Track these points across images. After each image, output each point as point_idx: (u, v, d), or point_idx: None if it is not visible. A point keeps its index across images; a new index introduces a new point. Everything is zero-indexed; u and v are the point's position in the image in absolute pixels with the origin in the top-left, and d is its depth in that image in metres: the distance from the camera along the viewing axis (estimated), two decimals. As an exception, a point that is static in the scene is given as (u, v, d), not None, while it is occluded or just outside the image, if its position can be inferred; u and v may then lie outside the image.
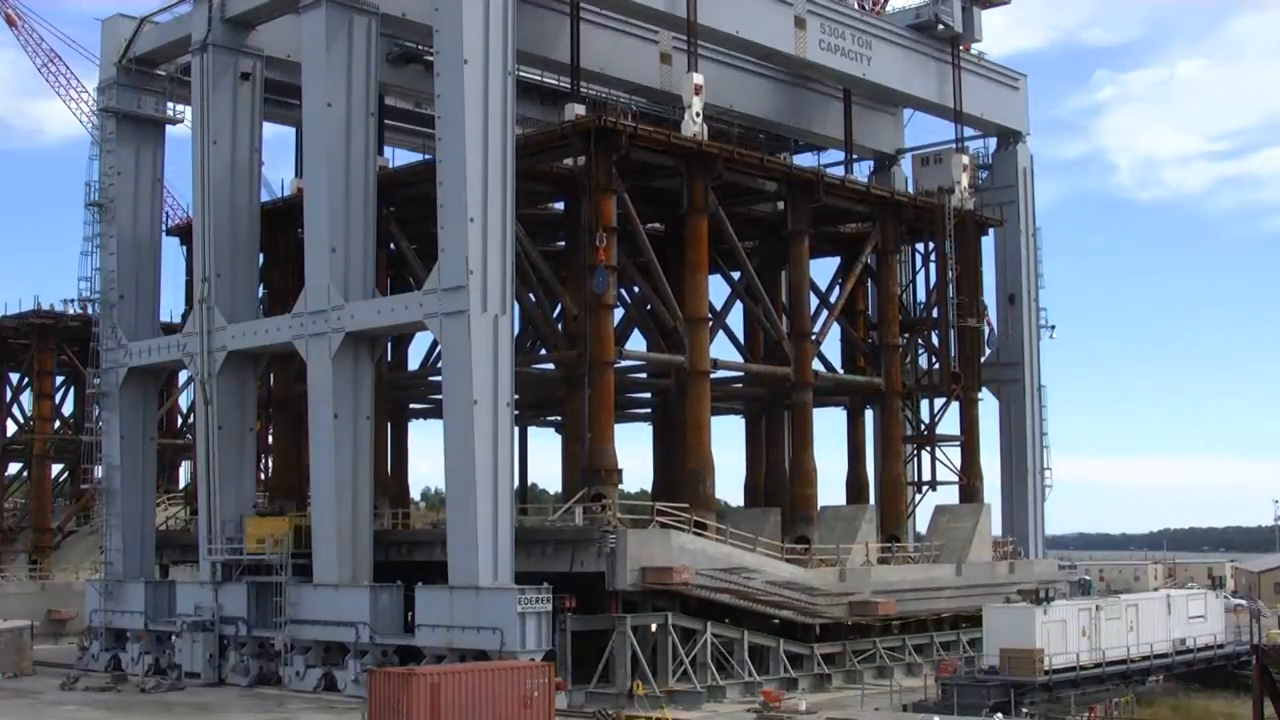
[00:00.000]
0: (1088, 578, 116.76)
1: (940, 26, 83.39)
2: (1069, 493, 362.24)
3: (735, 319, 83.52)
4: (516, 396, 60.63)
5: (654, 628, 60.05)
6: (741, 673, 62.89)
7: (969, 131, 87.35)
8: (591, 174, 63.11)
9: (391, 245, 71.28)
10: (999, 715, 51.68)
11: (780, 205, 76.65)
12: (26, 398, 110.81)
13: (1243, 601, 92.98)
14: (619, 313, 73.02)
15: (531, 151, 63.94)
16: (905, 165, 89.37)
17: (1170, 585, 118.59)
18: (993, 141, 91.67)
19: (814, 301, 77.78)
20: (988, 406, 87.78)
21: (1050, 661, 56.39)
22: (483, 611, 55.72)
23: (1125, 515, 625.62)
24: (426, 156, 68.19)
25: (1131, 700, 58.42)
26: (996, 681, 55.34)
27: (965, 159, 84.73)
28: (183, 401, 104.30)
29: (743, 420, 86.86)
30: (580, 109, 65.26)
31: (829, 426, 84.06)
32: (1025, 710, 53.65)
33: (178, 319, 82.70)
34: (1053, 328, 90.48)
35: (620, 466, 63.07)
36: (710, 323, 70.74)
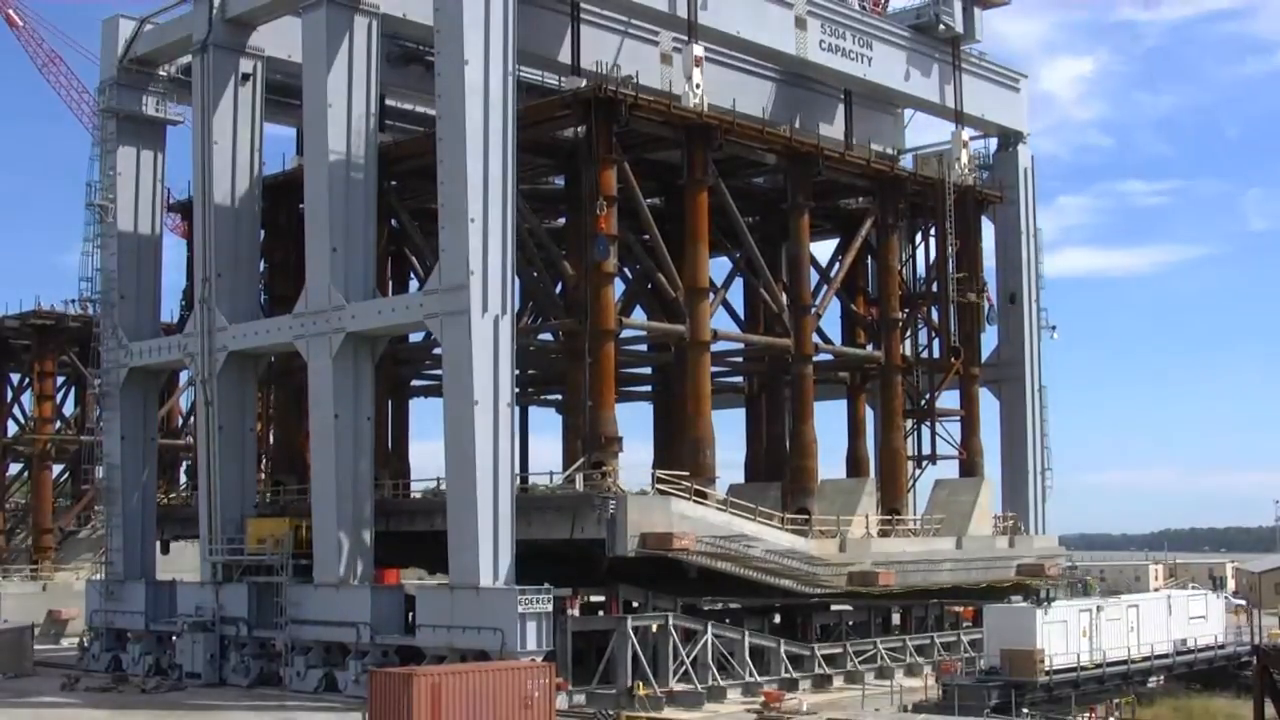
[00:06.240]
0: (1088, 578, 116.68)
1: (941, 27, 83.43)
2: (1069, 493, 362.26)
3: (736, 297, 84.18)
4: (517, 372, 60.84)
5: (654, 628, 60.09)
6: (742, 673, 62.90)
7: (970, 132, 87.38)
8: (592, 143, 63.16)
9: (393, 221, 71.55)
10: None
11: (780, 178, 76.53)
12: (27, 398, 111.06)
13: (1243, 601, 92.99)
14: (621, 289, 73.34)
15: (532, 122, 63.84)
16: (906, 165, 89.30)
17: (1172, 586, 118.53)
18: (993, 142, 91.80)
19: (814, 278, 77.98)
20: (989, 406, 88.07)
21: (1051, 662, 56.38)
22: (483, 612, 55.75)
23: (1126, 515, 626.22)
24: (426, 125, 68.15)
25: (1132, 701, 58.39)
26: (997, 682, 55.33)
27: (965, 135, 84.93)
28: (183, 401, 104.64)
29: (743, 411, 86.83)
30: (580, 81, 65.35)
31: (829, 414, 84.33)
32: (1026, 711, 53.64)
33: (179, 303, 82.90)
34: (1054, 328, 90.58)
35: (620, 435, 63.05)
36: (711, 298, 70.81)
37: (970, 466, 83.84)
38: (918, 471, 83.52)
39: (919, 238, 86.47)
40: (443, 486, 61.59)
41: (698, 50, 67.99)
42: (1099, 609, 61.33)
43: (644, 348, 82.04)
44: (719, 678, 61.55)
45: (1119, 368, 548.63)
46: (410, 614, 61.56)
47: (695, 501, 62.15)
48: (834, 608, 72.12)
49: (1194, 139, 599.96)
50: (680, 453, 67.41)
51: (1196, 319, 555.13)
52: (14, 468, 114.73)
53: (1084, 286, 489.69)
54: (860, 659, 69.55)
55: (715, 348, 70.39)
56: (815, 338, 75.66)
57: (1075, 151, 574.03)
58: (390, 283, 75.91)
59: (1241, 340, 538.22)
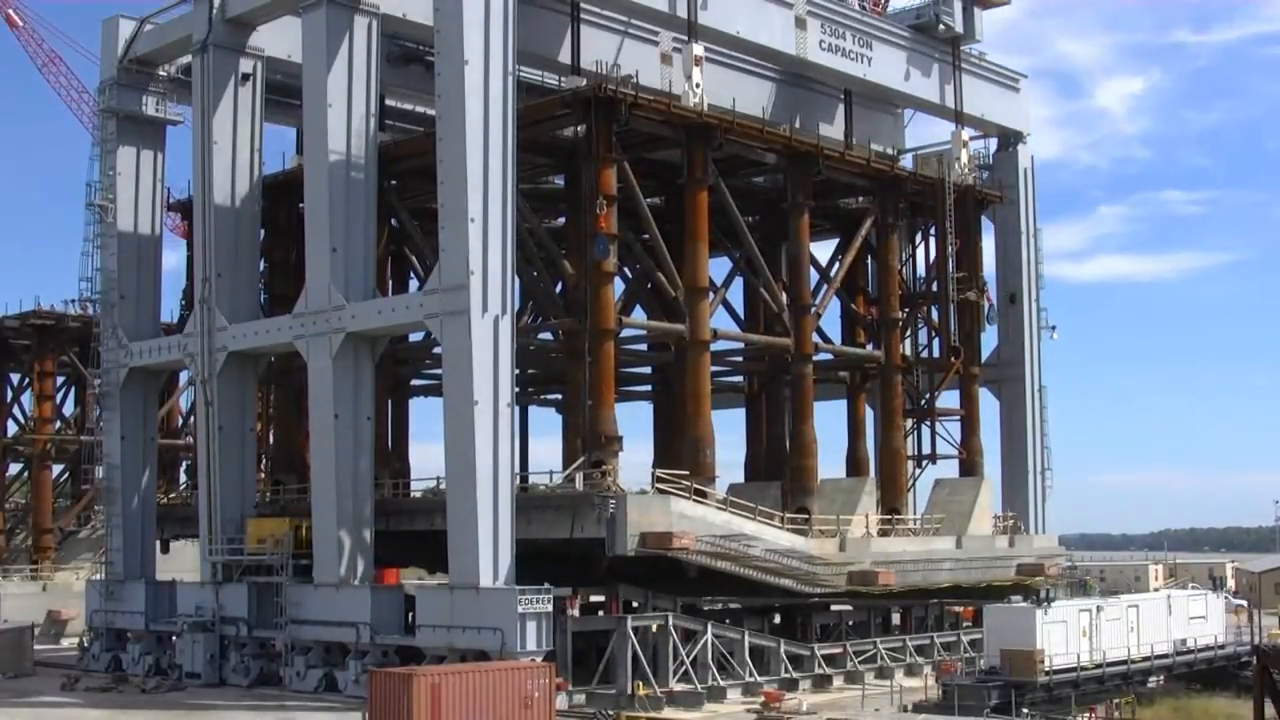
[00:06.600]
0: (1087, 578, 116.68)
1: (941, 27, 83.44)
2: (1069, 493, 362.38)
3: (736, 297, 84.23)
4: (517, 371, 60.97)
5: (654, 628, 60.08)
6: (742, 673, 62.89)
7: (970, 132, 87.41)
8: (592, 143, 63.19)
9: (393, 221, 71.57)
10: None
11: (780, 177, 76.59)
12: (27, 398, 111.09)
13: (1243, 601, 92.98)
14: (621, 288, 73.48)
15: (532, 122, 63.84)
16: (906, 165, 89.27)
17: (1172, 586, 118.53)
18: (993, 142, 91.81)
19: (814, 278, 78.09)
20: (989, 406, 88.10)
21: (1051, 662, 56.38)
22: (483, 612, 55.73)
23: (1126, 516, 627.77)
24: (426, 125, 68.22)
25: (1132, 701, 58.40)
26: (997, 682, 55.33)
27: (965, 135, 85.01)
28: (183, 402, 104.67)
29: (743, 410, 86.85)
30: (580, 81, 65.40)
31: (829, 414, 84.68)
32: (1026, 711, 53.64)
33: (179, 303, 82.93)
34: (1054, 328, 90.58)
35: (620, 434, 63.05)
36: (711, 297, 70.84)
37: (970, 466, 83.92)
38: (918, 471, 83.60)
39: (919, 237, 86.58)
40: (443, 486, 61.61)
41: (698, 50, 68.04)
42: (1099, 609, 61.32)
43: (644, 347, 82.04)
44: (719, 678, 61.53)
45: (1126, 369, 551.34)
46: (410, 614, 61.55)
47: (695, 501, 62.16)
48: (834, 608, 72.13)
49: (1235, 151, 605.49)
50: (680, 452, 67.41)
51: (1210, 322, 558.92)
52: (14, 468, 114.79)
53: (1110, 291, 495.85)
54: (860, 659, 69.52)
55: (715, 347, 70.42)
56: (815, 337, 75.71)
57: (1117, 164, 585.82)
58: (390, 283, 75.97)
59: (1248, 342, 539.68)
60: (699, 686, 60.04)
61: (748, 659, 63.44)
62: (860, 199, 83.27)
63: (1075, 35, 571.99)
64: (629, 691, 57.11)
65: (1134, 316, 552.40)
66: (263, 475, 78.03)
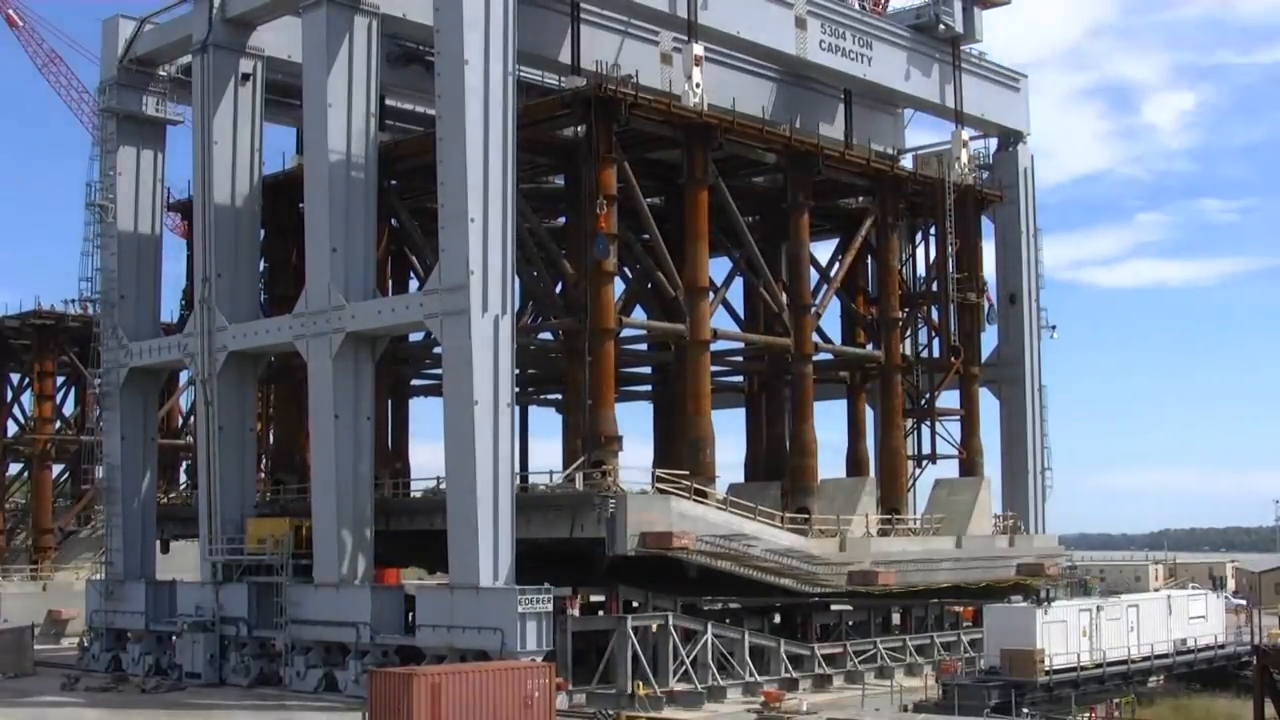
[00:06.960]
0: (1087, 578, 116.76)
1: (941, 27, 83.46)
2: (1069, 493, 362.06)
3: (736, 297, 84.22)
4: (517, 371, 61.02)
5: (654, 628, 60.08)
6: (742, 673, 62.90)
7: (970, 132, 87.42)
8: (592, 142, 63.19)
9: (393, 221, 71.58)
10: None
11: (780, 177, 76.60)
12: (27, 398, 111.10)
13: (1243, 601, 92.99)
14: (621, 288, 73.36)
15: (532, 122, 63.80)
16: (906, 165, 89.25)
17: (1172, 586, 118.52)
18: (994, 142, 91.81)
19: (814, 278, 78.09)
20: (989, 406, 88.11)
21: (1051, 662, 56.40)
22: (483, 612, 55.74)
23: (1126, 516, 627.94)
24: (426, 125, 68.26)
25: (1132, 701, 58.41)
26: (997, 682, 55.34)
27: (965, 135, 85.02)
28: (183, 401, 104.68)
29: (743, 410, 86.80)
30: (580, 81, 65.44)
31: (829, 414, 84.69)
32: (1026, 711, 53.64)
33: (179, 303, 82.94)
34: (1053, 328, 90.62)
35: (620, 434, 63.00)
36: (711, 297, 70.83)
37: (970, 466, 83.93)
38: (918, 471, 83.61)
39: (919, 237, 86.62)
40: (443, 486, 61.62)
41: (698, 50, 68.08)
42: (1099, 609, 61.36)
43: (644, 347, 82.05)
44: (719, 678, 61.55)
45: (1130, 370, 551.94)
46: (410, 614, 61.56)
47: (695, 501, 62.15)
48: (834, 607, 72.11)
49: (1274, 162, 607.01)
50: (680, 452, 67.42)
51: (1225, 326, 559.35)
52: (14, 468, 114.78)
53: (1138, 295, 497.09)
54: (860, 659, 69.54)
55: (715, 347, 70.48)
56: (815, 337, 75.72)
57: (1159, 176, 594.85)
58: (390, 283, 75.93)
59: (1254, 344, 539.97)
60: (699, 686, 60.06)
61: (748, 659, 63.45)
62: (860, 199, 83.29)
63: (1134, 54, 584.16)
64: (629, 691, 57.14)
65: (1148, 319, 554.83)
66: (263, 475, 78.03)
